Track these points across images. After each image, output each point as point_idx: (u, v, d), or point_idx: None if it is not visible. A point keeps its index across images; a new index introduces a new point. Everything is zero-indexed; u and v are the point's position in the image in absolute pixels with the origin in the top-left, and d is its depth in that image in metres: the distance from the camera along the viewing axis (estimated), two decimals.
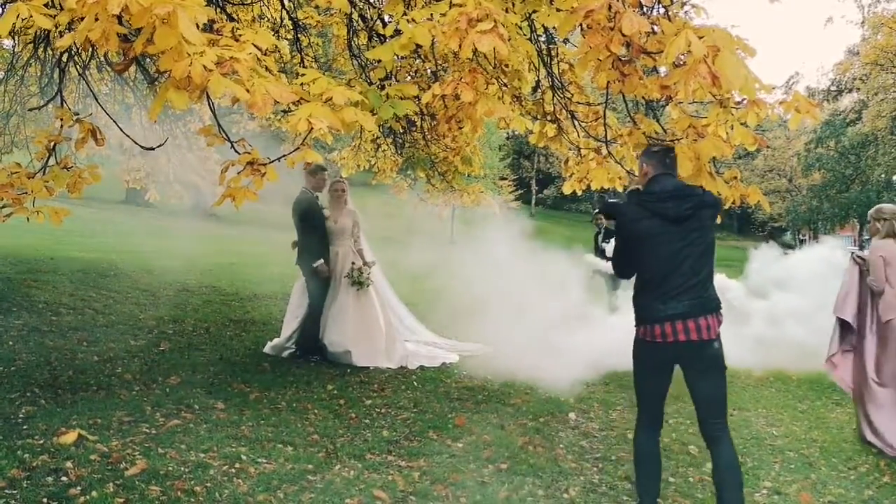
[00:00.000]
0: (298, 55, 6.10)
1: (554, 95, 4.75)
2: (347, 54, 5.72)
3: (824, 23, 69.41)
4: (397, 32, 3.14)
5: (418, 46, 3.22)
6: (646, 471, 3.38)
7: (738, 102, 3.55)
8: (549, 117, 4.84)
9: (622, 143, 4.49)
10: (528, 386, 5.96)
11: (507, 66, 4.24)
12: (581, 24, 2.90)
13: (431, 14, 3.00)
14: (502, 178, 33.35)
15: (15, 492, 3.15)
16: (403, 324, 7.78)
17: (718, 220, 3.44)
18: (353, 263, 6.71)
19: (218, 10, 4.66)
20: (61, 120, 3.66)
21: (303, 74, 3.02)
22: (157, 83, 4.29)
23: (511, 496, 3.70)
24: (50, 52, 5.44)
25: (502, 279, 7.14)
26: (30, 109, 7.17)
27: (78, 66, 5.02)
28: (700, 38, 2.70)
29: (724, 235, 44.31)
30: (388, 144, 8.25)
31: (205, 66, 2.40)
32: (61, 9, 2.48)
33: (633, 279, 3.45)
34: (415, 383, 6.03)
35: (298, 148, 2.95)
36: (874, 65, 27.55)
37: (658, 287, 3.21)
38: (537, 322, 6.83)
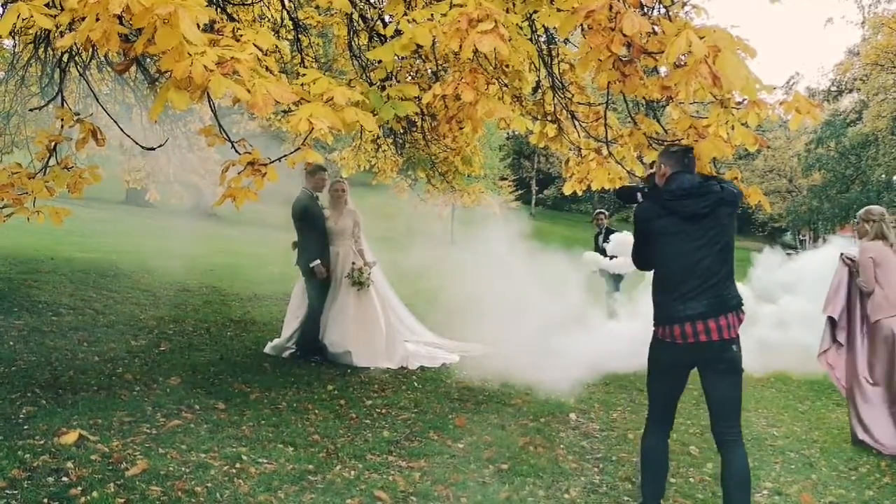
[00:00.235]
0: (299, 55, 6.10)
1: (554, 96, 4.75)
2: (348, 55, 5.72)
3: (824, 23, 69.43)
4: (398, 33, 3.14)
5: (419, 47, 3.23)
6: (652, 472, 3.36)
7: (739, 103, 3.56)
8: (549, 117, 4.84)
9: (623, 143, 4.49)
10: (528, 386, 5.96)
11: (507, 66, 4.24)
12: (582, 25, 2.90)
13: (432, 14, 3.00)
14: (502, 179, 33.29)
15: (16, 492, 3.15)
16: (403, 324, 7.78)
17: None
18: (353, 263, 6.70)
19: (219, 10, 4.66)
20: (62, 120, 3.67)
21: (303, 75, 3.02)
22: (157, 83, 4.29)
23: (512, 496, 3.70)
24: (50, 52, 5.44)
25: (502, 279, 7.14)
26: (30, 109, 7.17)
27: (78, 67, 5.03)
28: (701, 38, 2.70)
29: None
30: (388, 145, 8.25)
31: (206, 67, 2.40)
32: (62, 9, 2.48)
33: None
34: (415, 384, 6.03)
35: (299, 148, 2.95)
36: (874, 65, 27.54)
37: (676, 287, 3.18)
38: (537, 323, 6.83)
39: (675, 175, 3.27)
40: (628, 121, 4.53)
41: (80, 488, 3.23)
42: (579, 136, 4.84)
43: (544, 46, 4.80)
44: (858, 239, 5.21)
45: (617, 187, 3.59)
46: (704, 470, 4.30)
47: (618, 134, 4.58)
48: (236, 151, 3.14)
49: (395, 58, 3.31)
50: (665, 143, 4.06)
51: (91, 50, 3.26)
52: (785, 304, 8.29)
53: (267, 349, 6.81)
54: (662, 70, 3.71)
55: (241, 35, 2.79)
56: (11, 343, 5.99)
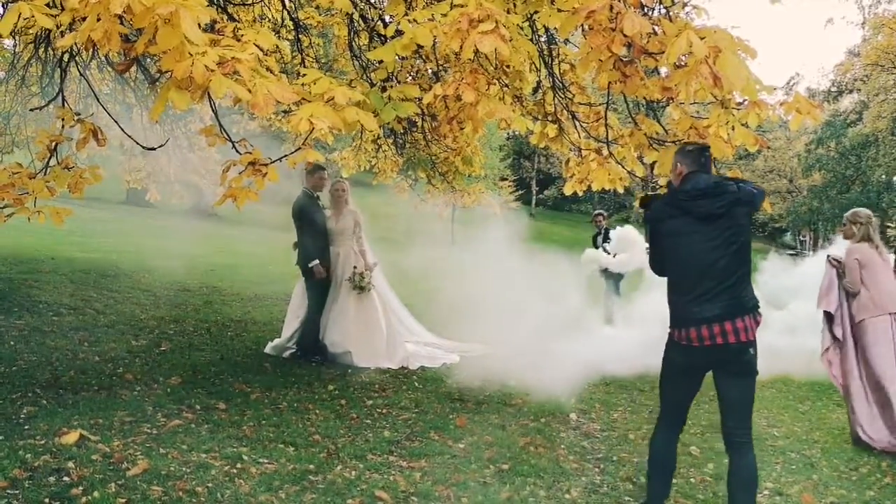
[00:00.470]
0: (299, 55, 6.10)
1: (555, 96, 4.75)
2: (349, 55, 5.73)
3: (825, 24, 69.48)
4: (398, 33, 3.15)
5: (420, 47, 3.23)
6: (659, 472, 3.34)
7: (740, 103, 3.56)
8: (550, 118, 4.84)
9: (623, 143, 4.49)
10: (528, 386, 5.96)
11: (508, 66, 4.24)
12: (582, 25, 2.90)
13: (433, 14, 3.01)
14: (503, 179, 33.27)
15: (17, 492, 3.15)
16: (403, 324, 7.78)
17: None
18: (354, 268, 6.69)
19: (219, 10, 4.67)
20: (62, 120, 3.67)
21: (304, 75, 3.03)
22: (158, 83, 4.29)
23: (513, 497, 3.70)
24: (51, 52, 5.44)
25: (502, 280, 7.14)
26: (31, 109, 7.16)
27: (79, 66, 5.03)
28: (701, 38, 2.71)
29: None
30: (388, 145, 8.25)
31: (206, 67, 2.41)
32: (63, 8, 2.49)
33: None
34: (416, 384, 6.03)
35: (300, 148, 2.95)
36: (875, 66, 27.55)
37: (692, 288, 3.13)
38: (537, 323, 6.83)
39: (690, 174, 3.21)
40: (629, 121, 4.53)
41: (81, 488, 3.23)
42: (580, 136, 4.84)
43: (545, 47, 4.81)
44: (845, 240, 5.27)
45: (640, 199, 3.53)
46: (705, 470, 4.30)
47: (618, 134, 4.59)
48: (237, 151, 3.14)
49: (396, 58, 3.31)
50: (666, 143, 4.06)
51: (92, 50, 3.26)
52: (794, 308, 8.28)
53: (267, 349, 6.81)
54: (663, 70, 3.72)
55: (241, 35, 2.79)
56: (12, 343, 5.99)
